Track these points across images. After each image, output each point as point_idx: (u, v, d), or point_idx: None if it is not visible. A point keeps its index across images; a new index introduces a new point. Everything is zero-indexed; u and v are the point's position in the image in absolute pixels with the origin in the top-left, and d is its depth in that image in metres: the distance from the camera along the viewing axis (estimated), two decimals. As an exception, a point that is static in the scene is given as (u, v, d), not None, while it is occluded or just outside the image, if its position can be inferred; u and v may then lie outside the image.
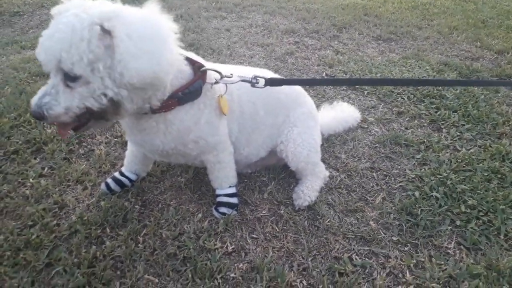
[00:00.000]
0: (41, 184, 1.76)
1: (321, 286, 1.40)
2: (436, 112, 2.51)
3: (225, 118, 1.54)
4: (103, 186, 1.75)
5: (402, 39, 3.98)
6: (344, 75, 3.01)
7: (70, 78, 1.10)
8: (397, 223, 1.69)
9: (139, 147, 1.57)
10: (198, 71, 1.41)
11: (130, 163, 1.78)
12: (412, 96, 2.70)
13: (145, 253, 1.47)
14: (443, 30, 4.26)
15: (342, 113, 2.22)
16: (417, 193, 1.83)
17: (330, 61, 3.23)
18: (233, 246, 1.54)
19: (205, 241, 1.54)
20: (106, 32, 1.08)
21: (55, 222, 1.58)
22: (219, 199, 1.69)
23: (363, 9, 4.95)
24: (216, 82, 1.43)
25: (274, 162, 1.94)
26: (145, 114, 1.36)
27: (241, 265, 1.47)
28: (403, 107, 2.57)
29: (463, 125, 2.38)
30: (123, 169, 1.80)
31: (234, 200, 1.69)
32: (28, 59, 3.08)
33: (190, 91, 1.36)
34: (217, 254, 1.49)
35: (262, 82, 1.49)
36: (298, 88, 1.84)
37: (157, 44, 1.13)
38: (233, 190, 1.70)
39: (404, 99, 2.67)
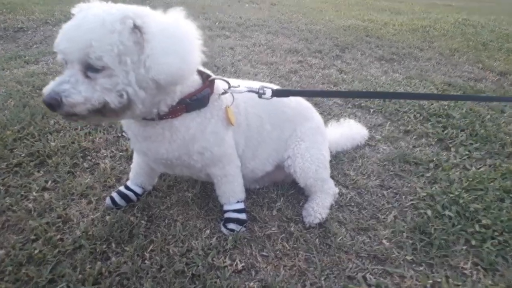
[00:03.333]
0: (45, 197, 1.71)
1: (336, 307, 1.34)
2: (443, 131, 2.50)
3: (232, 130, 1.51)
4: (108, 200, 1.70)
5: (405, 60, 4.02)
6: (350, 93, 3.01)
7: (92, 69, 1.08)
8: (411, 242, 1.65)
9: (144, 156, 1.54)
10: (207, 80, 1.41)
11: (136, 176, 1.74)
12: (418, 115, 2.70)
13: (152, 270, 1.41)
14: (445, 52, 4.31)
15: (350, 130, 2.20)
16: (429, 212, 1.79)
17: (334, 80, 3.24)
18: (242, 264, 1.49)
19: (214, 258, 1.48)
20: (137, 28, 1.10)
21: (58, 236, 1.52)
22: (227, 215, 1.64)
23: (365, 30, 5.02)
24: (224, 92, 1.43)
25: (282, 178, 1.90)
26: (152, 121, 1.34)
27: (252, 283, 1.41)
28: (410, 126, 2.55)
29: (471, 144, 2.37)
30: (128, 183, 1.76)
31: (242, 216, 1.64)
32: (32, 73, 3.06)
33: (198, 98, 1.35)
34: (226, 272, 1.43)
35: (269, 93, 1.49)
36: (305, 103, 1.82)
37: (186, 45, 1.16)
38: (241, 206, 1.66)
39: (410, 117, 2.66)
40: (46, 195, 1.73)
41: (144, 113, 1.26)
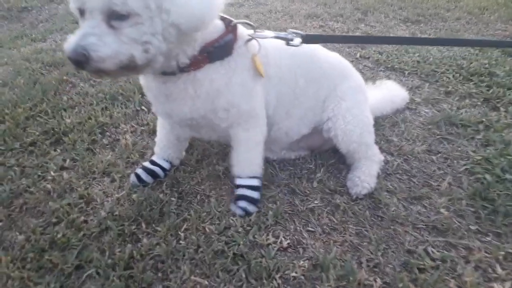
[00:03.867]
0: (64, 177, 1.57)
1: (400, 285, 1.18)
2: (488, 90, 2.28)
3: (261, 85, 1.34)
4: (132, 177, 1.55)
5: (432, 21, 3.75)
6: (380, 55, 2.78)
7: (116, 17, 0.95)
8: (472, 210, 1.47)
9: (168, 119, 1.40)
10: (229, 26, 1.26)
11: (162, 149, 1.58)
12: (458, 75, 2.47)
13: (189, 251, 1.27)
14: (473, 11, 4.02)
15: (389, 92, 2.00)
16: (488, 177, 1.60)
17: (361, 44, 3.00)
18: (288, 241, 1.33)
19: (256, 236, 1.33)
20: None
21: (82, 218, 1.38)
22: (239, 191, 1.45)
23: (384, -7, 4.72)
24: (250, 39, 1.27)
25: (319, 144, 1.71)
26: (172, 76, 1.20)
27: (302, 262, 1.25)
28: (450, 86, 2.34)
29: (522, 103, 2.15)
30: (154, 158, 1.60)
31: (256, 194, 1.45)
32: (40, 50, 2.90)
33: (220, 45, 1.20)
34: (271, 250, 1.28)
35: (298, 40, 1.33)
36: (345, 61, 1.64)
37: None
38: (256, 183, 1.47)
39: (449, 78, 2.44)
40: (65, 174, 1.58)
41: (164, 66, 1.14)
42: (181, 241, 1.30)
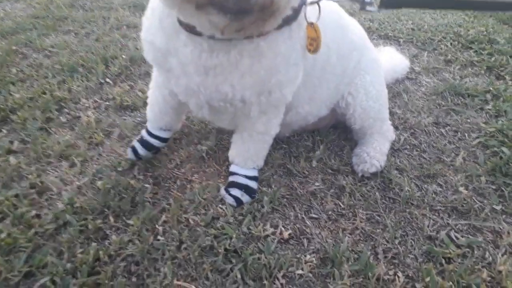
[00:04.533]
0: (11, 162, 1.27)
1: (428, 279, 0.98)
2: (490, 58, 2.11)
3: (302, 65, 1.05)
4: (129, 152, 1.30)
5: None
6: (371, 23, 2.57)
7: None
8: (493, 187, 1.29)
9: (188, 97, 1.03)
10: None
11: (158, 116, 1.27)
12: (456, 43, 2.29)
13: (170, 249, 1.02)
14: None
15: (391, 60, 1.79)
16: (505, 150, 1.43)
17: (350, 11, 2.77)
18: (289, 231, 1.11)
19: (250, 227, 1.10)
20: None
21: (33, 212, 1.10)
22: (234, 178, 1.21)
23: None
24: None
25: (326, 123, 1.49)
26: (227, 42, 0.87)
27: (308, 256, 1.04)
28: (449, 55, 2.15)
29: (527, 71, 1.99)
30: (149, 128, 1.32)
31: (253, 184, 1.22)
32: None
33: (297, 9, 0.89)
34: (270, 244, 1.05)
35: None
36: (362, 29, 1.39)
37: None
38: (255, 173, 1.24)
39: (448, 46, 2.25)
40: (13, 159, 1.28)
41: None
42: (159, 237, 1.06)
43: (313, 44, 0.98)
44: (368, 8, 1.06)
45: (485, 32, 2.39)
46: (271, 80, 0.94)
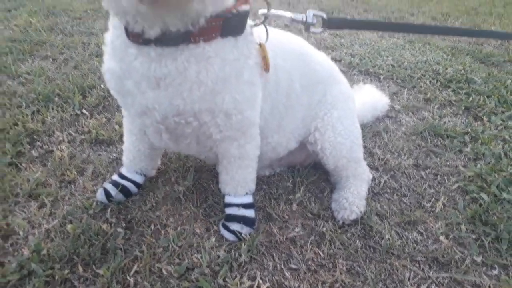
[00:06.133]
0: (-26, 202, 1.20)
1: None
2: (467, 98, 2.15)
3: (260, 86, 1.06)
4: (100, 194, 1.25)
5: (398, 24, 3.65)
6: (352, 58, 2.60)
7: None
8: (474, 236, 1.29)
9: (144, 116, 1.01)
10: None
11: (133, 161, 1.28)
12: (435, 81, 2.34)
13: (140, 304, 0.97)
14: (437, 17, 3.99)
15: (371, 98, 1.80)
16: (484, 196, 1.43)
17: (331, 45, 2.82)
18: (267, 285, 1.06)
19: (226, 279, 1.05)
20: None
21: (-5, 260, 1.04)
22: (230, 210, 1.21)
23: (348, -6, 4.61)
24: (265, 19, 1.00)
25: (301, 160, 1.48)
26: (173, 48, 0.88)
27: (286, 313, 1.00)
28: (429, 93, 2.19)
29: (503, 112, 2.03)
30: (123, 171, 1.30)
31: (250, 213, 1.21)
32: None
33: (239, 14, 0.90)
34: (247, 298, 1.01)
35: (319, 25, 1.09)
36: (332, 62, 1.40)
37: None
38: (250, 200, 1.24)
39: (427, 84, 2.29)
40: (-23, 198, 1.22)
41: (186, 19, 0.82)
42: (130, 289, 1.00)
43: (264, 63, 1.01)
44: (312, 29, 1.08)
45: (462, 71, 2.45)
46: (224, 96, 0.95)
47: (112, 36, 0.95)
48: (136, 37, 0.87)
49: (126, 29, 0.88)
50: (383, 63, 2.52)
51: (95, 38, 2.52)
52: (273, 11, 1.04)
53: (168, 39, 0.85)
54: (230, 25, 0.90)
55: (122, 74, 0.95)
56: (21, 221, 1.17)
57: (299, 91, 1.23)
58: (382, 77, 2.36)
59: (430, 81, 2.32)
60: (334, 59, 2.60)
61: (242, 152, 1.13)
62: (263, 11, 1.03)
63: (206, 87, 0.92)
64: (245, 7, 0.93)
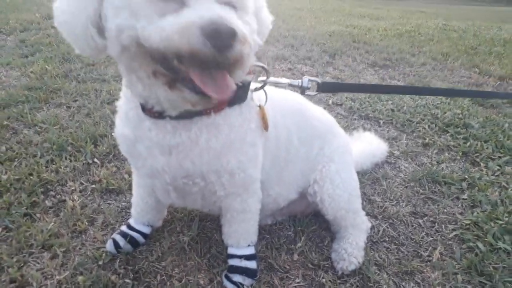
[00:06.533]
0: (-8, 253, 1.27)
1: None
2: (465, 143, 2.21)
3: (261, 145, 1.15)
4: (109, 245, 1.32)
5: (399, 66, 3.77)
6: (353, 103, 2.69)
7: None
8: (469, 287, 1.32)
9: (154, 177, 1.08)
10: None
11: (141, 213, 1.36)
12: (434, 125, 2.41)
13: None
14: (437, 57, 4.11)
15: (369, 145, 1.87)
16: (480, 245, 1.47)
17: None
18: (268, 338, 1.11)
19: (229, 331, 1.10)
20: None
21: (10, 312, 1.10)
22: (232, 262, 1.26)
23: (350, 36, 4.78)
24: (264, 84, 1.10)
25: (301, 209, 1.54)
26: (187, 121, 0.97)
27: None
28: (427, 138, 2.26)
29: (500, 157, 2.09)
30: (131, 222, 1.38)
31: (252, 264, 1.26)
32: (-19, 88, 2.57)
33: (243, 85, 0.99)
34: None
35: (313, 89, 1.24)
36: (330, 117, 1.49)
37: None
38: (252, 251, 1.29)
39: (425, 128, 2.36)
40: (-6, 249, 1.29)
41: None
42: None
43: (263, 122, 1.10)
44: (307, 92, 1.18)
45: (460, 115, 2.53)
46: (230, 158, 1.03)
47: (125, 107, 1.03)
48: (153, 113, 0.94)
49: (142, 105, 0.96)
50: (383, 108, 2.61)
51: (107, 85, 2.65)
52: (271, 78, 1.14)
53: (184, 115, 0.94)
54: (238, 95, 0.98)
55: (135, 139, 1.03)
56: (35, 272, 1.23)
57: (298, 145, 1.31)
58: (382, 121, 2.44)
59: (428, 126, 2.39)
60: (335, 104, 2.70)
61: (244, 206, 1.20)
62: (262, 78, 1.13)
63: (214, 151, 1.01)
64: (248, 77, 1.03)
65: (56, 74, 2.79)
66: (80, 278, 1.20)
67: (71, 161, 1.78)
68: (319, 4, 10.32)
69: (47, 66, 2.95)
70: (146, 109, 0.95)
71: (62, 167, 1.74)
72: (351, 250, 1.35)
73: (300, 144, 1.32)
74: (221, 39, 0.69)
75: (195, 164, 1.01)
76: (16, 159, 1.77)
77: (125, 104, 1.04)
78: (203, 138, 0.99)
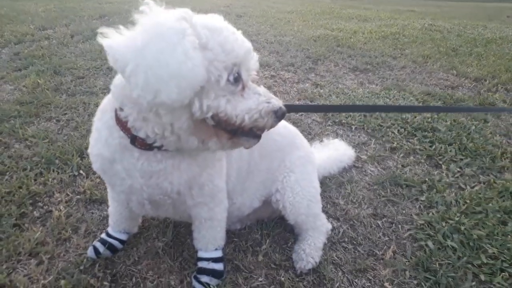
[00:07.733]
0: (-17, 261, 1.42)
1: None
2: (431, 146, 2.36)
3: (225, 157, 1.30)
4: (90, 251, 1.46)
5: (379, 69, 3.91)
6: (328, 109, 2.83)
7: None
8: (415, 282, 1.46)
9: (131, 195, 1.19)
10: None
11: (117, 223, 1.50)
12: (403, 130, 2.55)
13: None
14: (417, 59, 4.24)
15: (336, 151, 2.01)
16: (430, 243, 1.61)
17: (310, 95, 3.06)
18: (228, 332, 1.25)
19: (194, 326, 1.24)
20: None
21: (-1, 314, 1.24)
22: (201, 264, 1.40)
23: (335, 40, 4.91)
24: None
25: (267, 215, 1.68)
26: (168, 151, 1.10)
27: None
28: (395, 143, 2.40)
29: (462, 159, 2.23)
30: (109, 230, 1.52)
31: (219, 266, 1.40)
32: None
33: None
34: None
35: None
36: (293, 129, 1.63)
37: None
38: (219, 254, 1.42)
39: (394, 133, 2.50)
40: (-15, 258, 1.43)
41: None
42: (110, 338, 1.19)
43: None
44: None
45: (429, 119, 2.66)
46: (203, 174, 1.18)
47: (107, 135, 1.09)
48: (144, 145, 1.06)
49: (133, 138, 1.05)
50: (356, 114, 2.75)
51: (95, 98, 2.80)
52: None
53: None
54: None
55: (113, 160, 1.10)
56: (22, 277, 1.37)
57: (258, 159, 1.45)
58: (354, 127, 2.58)
59: (398, 130, 2.53)
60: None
61: (211, 214, 1.34)
62: None
63: (193, 172, 1.15)
64: None
65: (47, 87, 2.93)
66: (62, 282, 1.34)
67: (58, 173, 1.93)
68: (310, 6, 10.45)
69: (39, 80, 3.09)
70: (139, 143, 1.05)
71: (50, 179, 1.88)
72: (309, 250, 1.49)
73: (261, 158, 1.47)
74: (282, 118, 1.03)
75: (173, 184, 1.14)
76: (8, 173, 1.92)
77: (106, 133, 1.10)
78: (185, 163, 1.13)
